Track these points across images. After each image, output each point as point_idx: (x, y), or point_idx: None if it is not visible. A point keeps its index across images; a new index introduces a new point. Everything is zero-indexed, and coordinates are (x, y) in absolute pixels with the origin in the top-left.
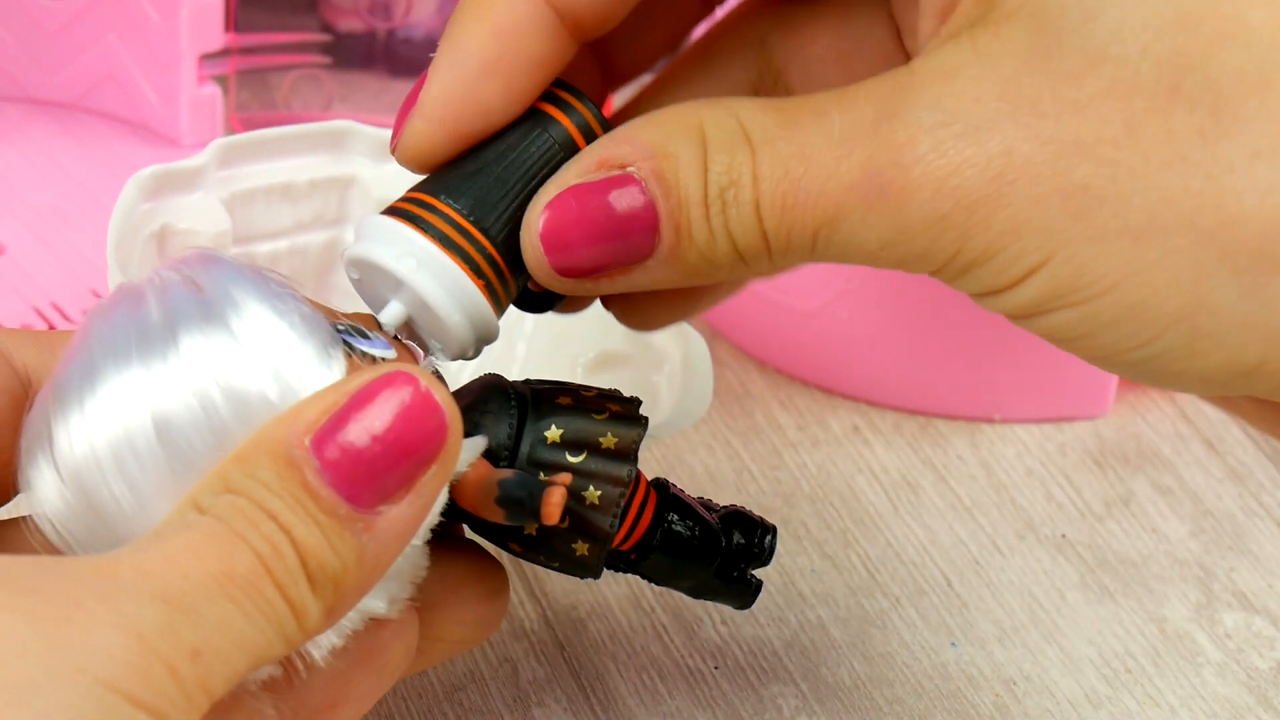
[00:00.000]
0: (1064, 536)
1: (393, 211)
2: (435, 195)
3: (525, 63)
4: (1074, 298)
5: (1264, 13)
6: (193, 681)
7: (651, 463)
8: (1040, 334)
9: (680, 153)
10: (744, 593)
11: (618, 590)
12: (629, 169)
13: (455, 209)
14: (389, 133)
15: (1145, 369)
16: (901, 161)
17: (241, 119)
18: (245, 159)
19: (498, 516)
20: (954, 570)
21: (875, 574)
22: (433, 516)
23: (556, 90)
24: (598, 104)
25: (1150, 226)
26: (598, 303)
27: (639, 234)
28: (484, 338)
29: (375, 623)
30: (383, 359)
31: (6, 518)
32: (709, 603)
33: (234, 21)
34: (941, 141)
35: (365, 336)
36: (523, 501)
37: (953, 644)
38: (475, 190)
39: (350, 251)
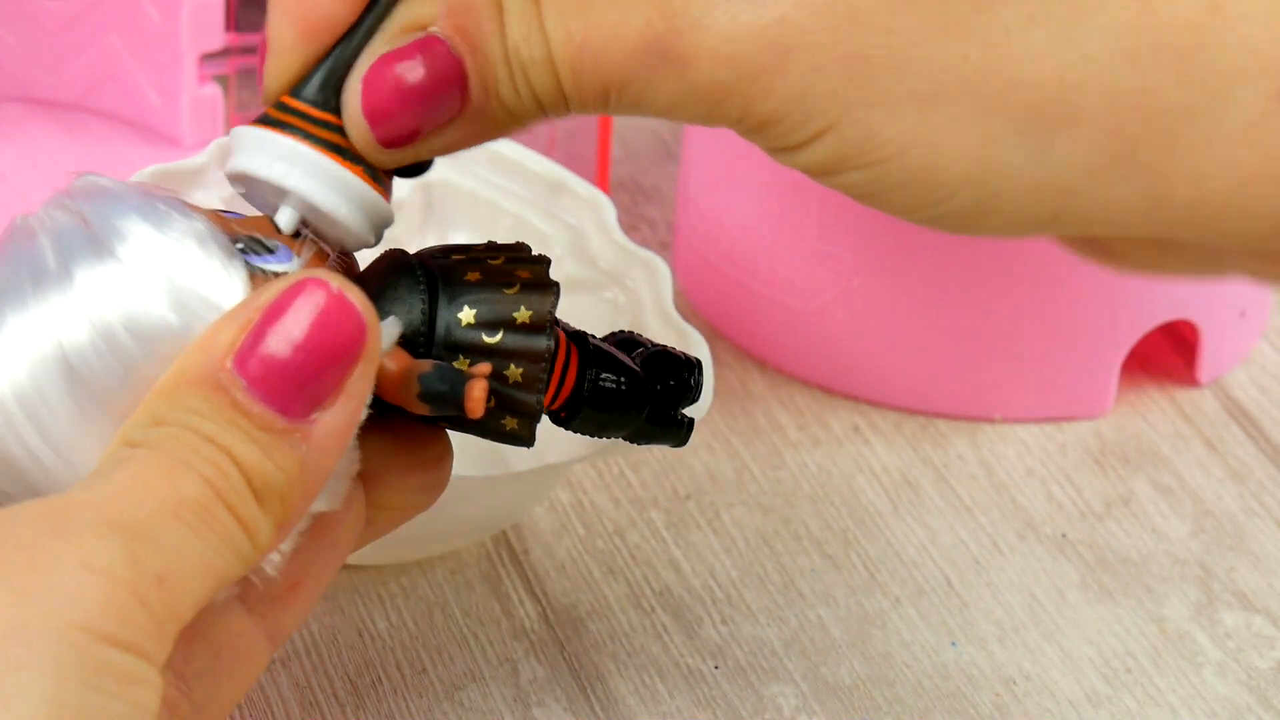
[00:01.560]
0: (1064, 536)
1: (260, 120)
2: (293, 95)
3: None
4: (862, 160)
5: None
6: (162, 609)
7: (651, 463)
8: (838, 190)
9: (480, 7)
10: (677, 433)
11: (618, 590)
12: (432, 29)
13: (309, 103)
14: None
15: (944, 224)
16: (678, 28)
17: (242, 118)
18: None
19: (421, 410)
20: (954, 570)
21: (875, 573)
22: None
23: None
24: None
25: (933, 93)
26: (599, 303)
27: (450, 93)
28: (379, 222)
29: None
30: (285, 272)
31: None
32: (709, 602)
33: (235, 21)
34: (715, 7)
35: (266, 250)
36: (444, 395)
37: (953, 643)
38: (323, 78)
39: (226, 168)
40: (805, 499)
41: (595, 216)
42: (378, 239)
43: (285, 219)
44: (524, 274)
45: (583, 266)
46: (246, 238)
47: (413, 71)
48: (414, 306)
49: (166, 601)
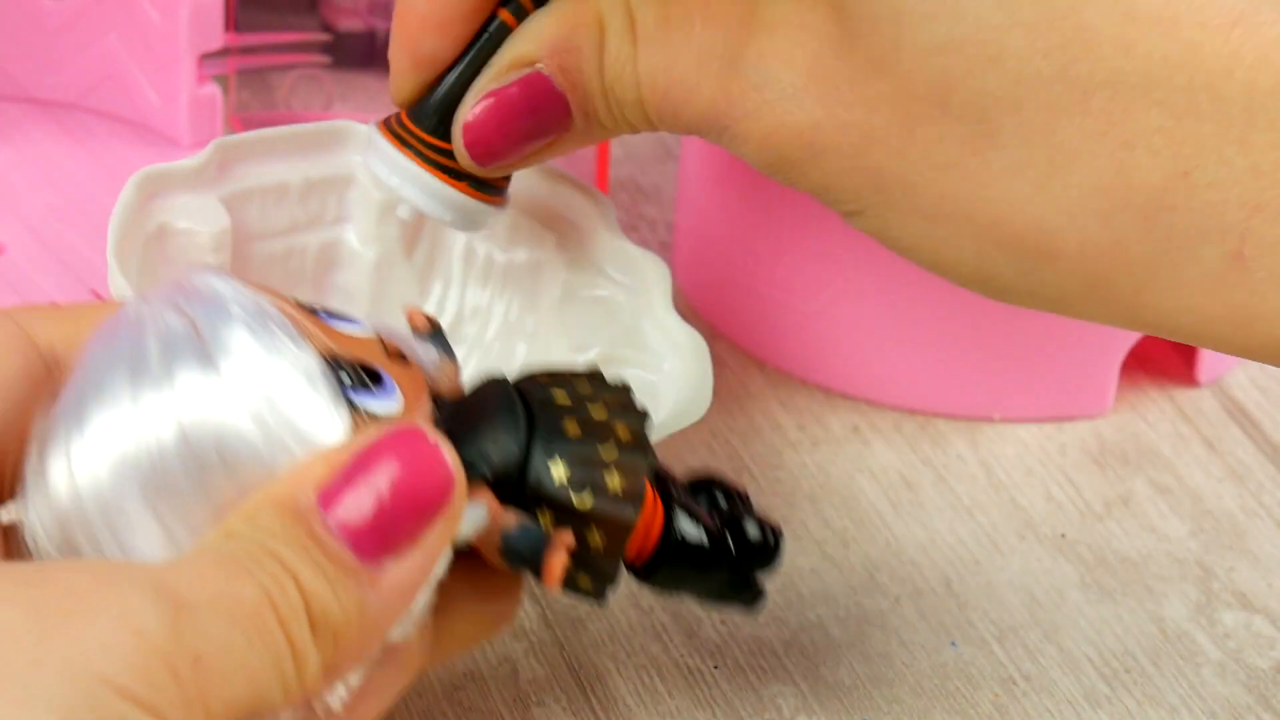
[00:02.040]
0: (1064, 536)
1: (390, 130)
2: (411, 119)
3: (455, 12)
4: (884, 239)
5: (1020, 39)
6: (193, 688)
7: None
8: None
9: (583, 45)
10: (751, 600)
11: (617, 590)
12: (538, 66)
13: (421, 128)
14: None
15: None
16: (734, 114)
17: (241, 119)
18: (244, 159)
19: (499, 562)
20: (953, 570)
21: (875, 573)
22: (438, 569)
23: None
24: None
25: (936, 212)
26: (599, 303)
27: (554, 121)
28: (480, 221)
29: None
30: (388, 415)
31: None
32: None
33: (234, 21)
34: (760, 106)
35: (371, 386)
36: (524, 558)
37: (952, 644)
38: (435, 106)
39: (363, 155)
40: (805, 499)
41: (595, 216)
42: (484, 223)
43: (404, 213)
44: (623, 434)
45: (583, 266)
46: (352, 370)
47: (516, 108)
48: (509, 450)
49: (199, 684)
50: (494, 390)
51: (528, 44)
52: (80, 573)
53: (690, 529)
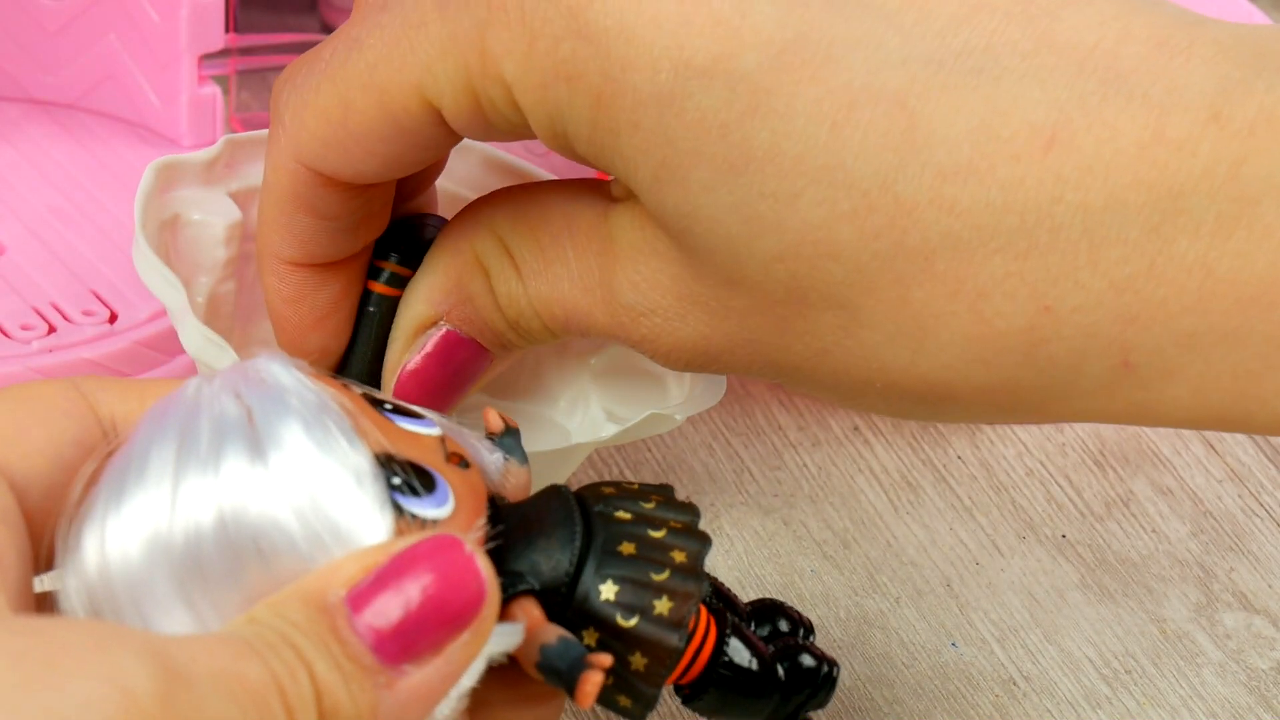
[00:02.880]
0: (1064, 537)
1: None
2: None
3: (319, 311)
4: (811, 398)
5: (847, 228)
6: None
7: (651, 463)
8: None
9: (474, 292)
10: None
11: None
12: (441, 325)
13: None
14: None
15: None
16: (630, 336)
17: (242, 119)
18: (251, 158)
19: (535, 675)
20: (954, 571)
21: (875, 574)
22: (464, 683)
23: (374, 261)
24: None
25: (837, 384)
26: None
27: (476, 365)
28: None
29: None
30: (434, 520)
31: None
32: None
33: (234, 22)
34: (650, 329)
35: (421, 490)
36: (560, 675)
37: (952, 644)
38: (358, 375)
39: None
40: (805, 499)
41: None
42: None
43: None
44: (679, 557)
45: None
46: (404, 471)
47: (433, 363)
48: (560, 564)
49: None
50: (555, 501)
51: (421, 306)
52: (77, 630)
53: (741, 654)
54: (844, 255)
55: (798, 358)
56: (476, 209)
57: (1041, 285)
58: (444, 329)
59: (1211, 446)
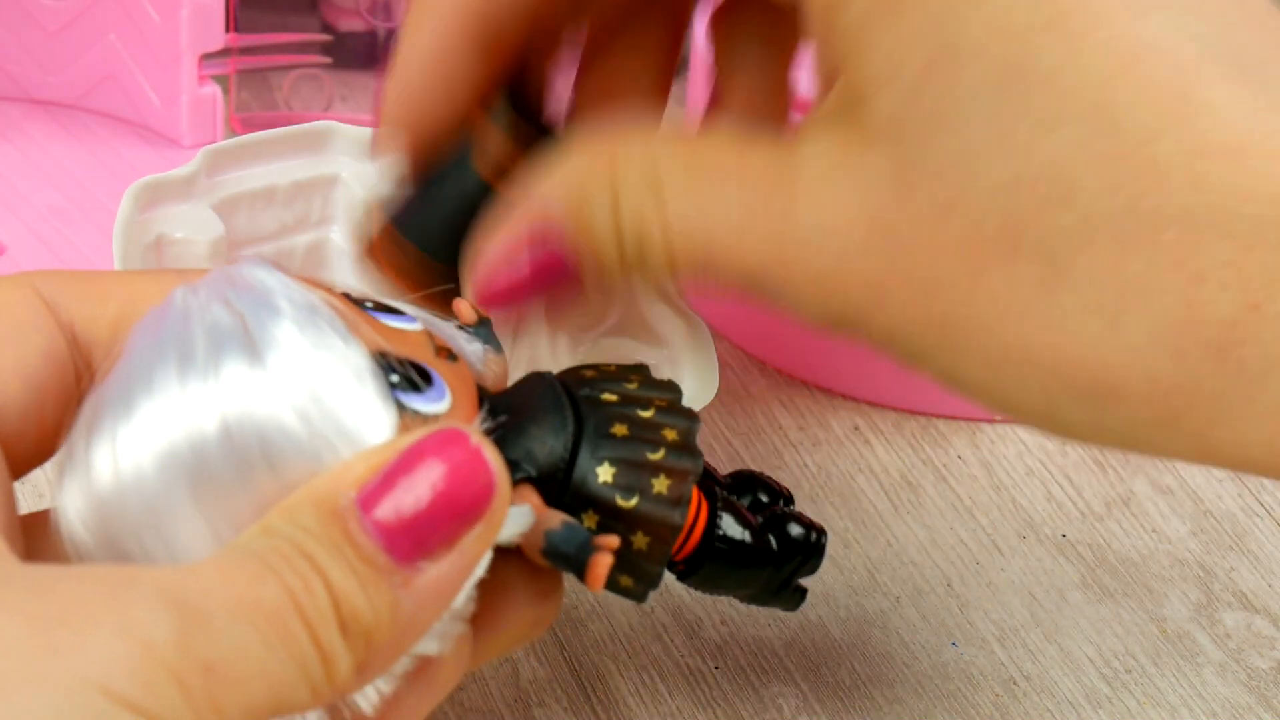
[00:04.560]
0: (1064, 536)
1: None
2: (411, 240)
3: (457, 85)
4: (946, 382)
5: (1091, 174)
6: (203, 697)
7: None
8: None
9: (594, 201)
10: (791, 599)
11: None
12: (547, 223)
13: (422, 251)
14: (370, 131)
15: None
16: (787, 271)
17: (242, 119)
18: (232, 165)
19: (540, 561)
20: (954, 570)
21: (875, 574)
22: (476, 574)
23: (498, 102)
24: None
25: (1002, 359)
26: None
27: (563, 281)
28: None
29: None
30: (434, 415)
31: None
32: (709, 602)
33: (234, 21)
34: (817, 263)
35: (419, 387)
36: (569, 559)
37: (953, 644)
38: (433, 237)
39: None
40: (805, 499)
41: None
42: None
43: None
44: (671, 435)
45: None
46: (401, 369)
47: (521, 267)
48: (555, 450)
49: (211, 693)
50: (541, 387)
51: (533, 203)
52: (87, 581)
53: (733, 528)
54: (1077, 202)
55: (975, 315)
56: (632, 131)
57: (1256, 281)
58: (548, 226)
59: None
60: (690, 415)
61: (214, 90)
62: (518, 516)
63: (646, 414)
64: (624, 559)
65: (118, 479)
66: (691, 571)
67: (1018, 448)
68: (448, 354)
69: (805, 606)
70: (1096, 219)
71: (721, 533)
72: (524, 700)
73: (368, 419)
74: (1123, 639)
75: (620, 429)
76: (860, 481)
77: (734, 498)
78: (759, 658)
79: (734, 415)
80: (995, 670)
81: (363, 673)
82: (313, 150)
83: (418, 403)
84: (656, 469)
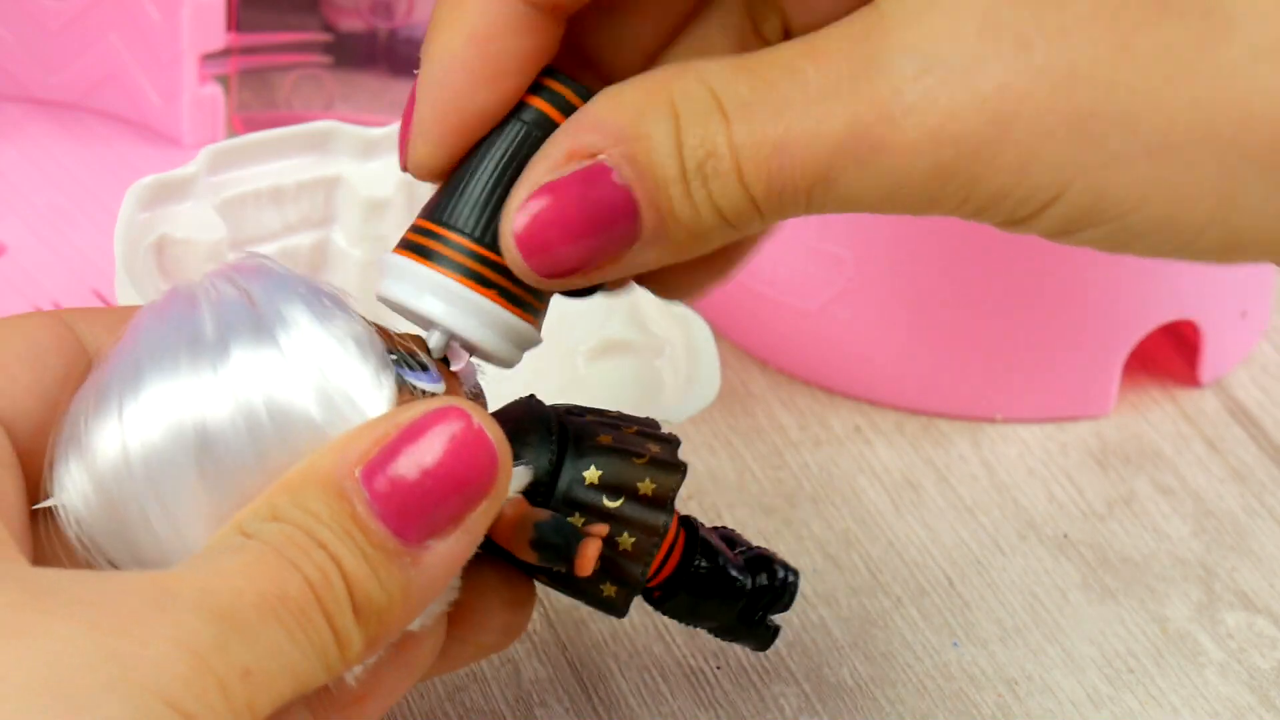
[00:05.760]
0: (1066, 536)
1: (406, 246)
2: (437, 220)
3: (508, 63)
4: (1099, 218)
5: None
6: (241, 700)
7: None
8: (1074, 245)
9: (652, 131)
10: (763, 636)
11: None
12: (600, 157)
13: (456, 230)
14: (373, 131)
15: (1187, 259)
16: (891, 115)
17: (243, 119)
18: (234, 164)
19: (530, 557)
20: (956, 570)
21: (877, 574)
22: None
23: (539, 77)
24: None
25: (1165, 143)
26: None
27: (619, 222)
28: (524, 346)
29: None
30: (432, 393)
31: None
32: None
33: (235, 21)
34: (929, 89)
35: (416, 367)
36: (558, 548)
37: (955, 644)
38: (470, 203)
39: (377, 291)
40: (807, 499)
41: None
42: (519, 359)
43: (436, 341)
44: (654, 449)
45: None
46: (402, 350)
47: (574, 202)
48: (542, 455)
49: (246, 695)
50: (527, 406)
51: (586, 134)
52: (135, 593)
53: (709, 557)
54: None
55: (1125, 96)
56: (684, 63)
57: None
58: (600, 160)
59: (1213, 446)
60: (672, 438)
61: (215, 90)
62: (516, 476)
63: (629, 430)
64: (608, 562)
65: (125, 454)
66: (667, 598)
67: (1019, 448)
68: (443, 362)
69: (807, 606)
70: None
71: (698, 561)
72: (526, 701)
73: (369, 385)
74: (1124, 639)
75: (605, 439)
76: (861, 481)
77: (710, 531)
78: (760, 658)
79: (734, 415)
80: (997, 670)
81: (372, 647)
82: (314, 150)
83: (419, 379)
84: (642, 473)
